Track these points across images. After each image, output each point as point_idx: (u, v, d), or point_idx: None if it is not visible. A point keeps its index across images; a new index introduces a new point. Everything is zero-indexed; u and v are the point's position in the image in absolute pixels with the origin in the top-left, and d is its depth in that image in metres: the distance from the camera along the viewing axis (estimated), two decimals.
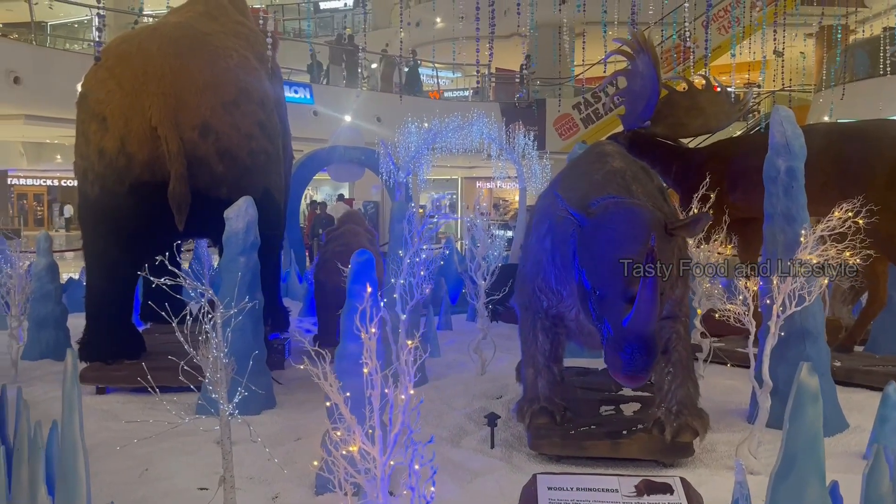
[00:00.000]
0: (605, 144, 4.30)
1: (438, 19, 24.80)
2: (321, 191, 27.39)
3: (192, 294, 9.01)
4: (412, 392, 2.39)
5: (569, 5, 20.28)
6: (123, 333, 6.16)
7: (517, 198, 35.65)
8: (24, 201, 35.99)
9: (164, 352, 6.60)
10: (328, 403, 5.74)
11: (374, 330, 2.47)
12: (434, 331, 7.55)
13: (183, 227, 5.53)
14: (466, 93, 27.98)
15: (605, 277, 3.38)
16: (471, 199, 33.61)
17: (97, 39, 6.27)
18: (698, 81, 8.20)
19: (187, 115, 5.49)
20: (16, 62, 13.69)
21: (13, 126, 15.99)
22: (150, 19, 16.47)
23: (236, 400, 3.31)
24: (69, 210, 36.21)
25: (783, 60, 16.32)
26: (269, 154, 6.04)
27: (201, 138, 5.55)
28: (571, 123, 21.68)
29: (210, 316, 3.59)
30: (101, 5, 6.31)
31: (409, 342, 2.43)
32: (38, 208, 37.13)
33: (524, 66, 21.89)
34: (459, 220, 21.85)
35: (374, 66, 22.34)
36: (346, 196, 22.16)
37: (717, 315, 4.50)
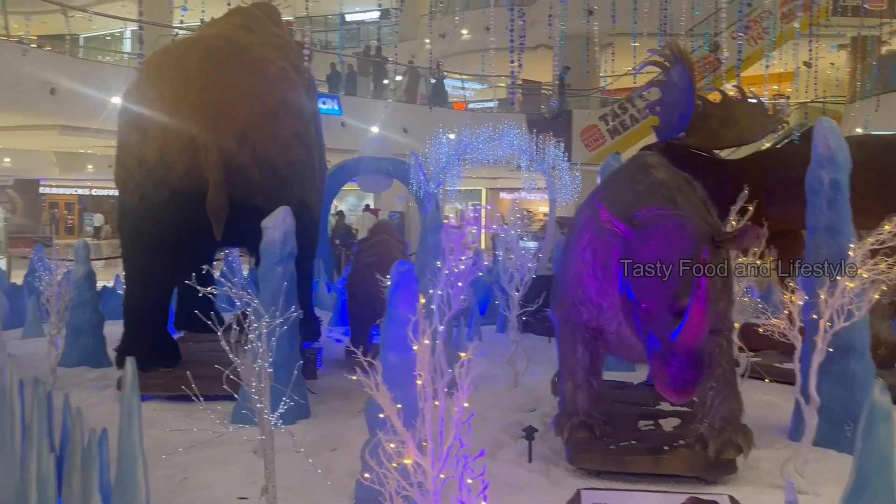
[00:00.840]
0: (647, 156, 4.26)
1: (465, 31, 24.89)
2: (346, 201, 27.55)
3: (227, 303, 9.11)
4: (466, 405, 2.36)
5: (596, 16, 20.30)
6: (160, 341, 6.21)
7: (541, 209, 35.70)
8: (56, 210, 36.59)
9: (199, 360, 6.68)
10: (360, 412, 5.70)
11: (427, 341, 2.45)
12: (465, 342, 7.53)
13: (220, 236, 5.57)
14: (492, 104, 28.04)
15: (652, 290, 3.33)
16: (494, 210, 33.62)
17: (139, 52, 6.37)
18: (732, 92, 8.12)
19: (226, 126, 5.55)
20: (52, 74, 13.96)
21: (48, 136, 16.29)
22: (183, 32, 16.74)
23: (281, 410, 3.30)
24: (99, 219, 36.79)
25: (816, 71, 16.12)
26: (306, 164, 6.08)
27: (239, 148, 5.60)
28: (598, 135, 21.60)
29: (253, 326, 3.57)
30: (140, 18, 6.41)
31: (463, 354, 2.41)
32: (69, 217, 37.74)
33: (562, 77, 21.91)
34: (483, 230, 21.80)
35: (398, 78, 22.47)
36: (372, 206, 22.26)
37: (760, 329, 4.42)
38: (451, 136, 20.07)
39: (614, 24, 17.55)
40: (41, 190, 33.18)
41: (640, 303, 3.42)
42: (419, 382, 2.45)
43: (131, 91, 5.90)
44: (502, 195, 34.73)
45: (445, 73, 22.04)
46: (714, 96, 8.93)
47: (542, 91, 24.41)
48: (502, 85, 27.52)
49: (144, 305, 6.04)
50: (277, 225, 5.37)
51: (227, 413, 5.67)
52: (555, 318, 4.65)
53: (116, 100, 15.00)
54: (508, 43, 19.19)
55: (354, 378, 2.61)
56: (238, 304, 4.51)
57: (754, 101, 8.00)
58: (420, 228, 12.90)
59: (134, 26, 29.11)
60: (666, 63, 7.42)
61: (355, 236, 19.85)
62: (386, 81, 21.04)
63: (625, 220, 3.61)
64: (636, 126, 21.68)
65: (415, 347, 2.48)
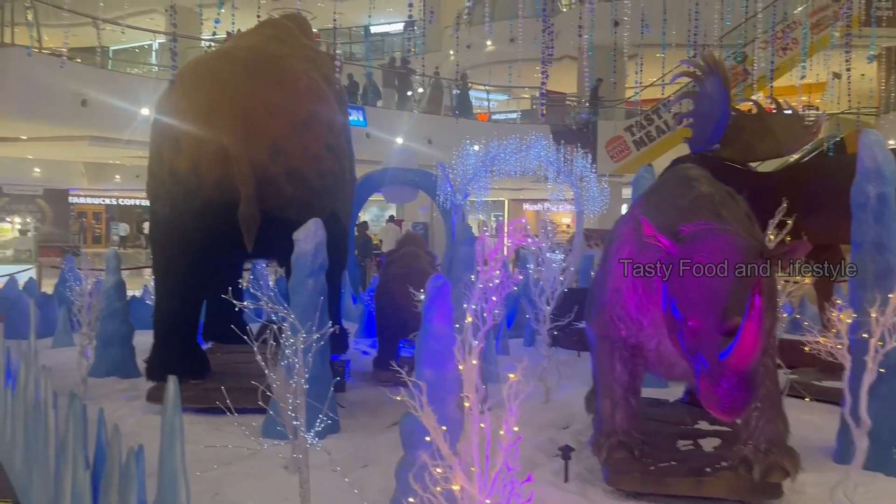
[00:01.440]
0: (689, 168, 4.15)
1: (489, 42, 24.89)
2: (369, 211, 27.60)
3: (254, 313, 9.10)
4: (516, 429, 2.28)
5: (622, 27, 20.19)
6: (190, 353, 6.20)
7: (564, 220, 35.48)
8: (84, 219, 37.08)
9: (228, 372, 6.66)
10: (389, 427, 5.62)
11: (475, 361, 2.38)
12: (494, 356, 7.43)
13: (252, 247, 5.54)
14: (514, 115, 27.99)
15: (700, 308, 3.23)
16: (521, 222, 33.39)
17: (172, 64, 6.40)
18: (763, 102, 7.98)
19: (258, 137, 5.53)
20: (84, 85, 14.15)
21: (79, 147, 16.50)
22: (211, 44, 16.88)
23: (319, 427, 3.24)
24: (124, 228, 37.24)
25: (850, 82, 15.87)
26: (337, 176, 6.05)
27: (271, 159, 5.58)
28: (623, 146, 21.45)
29: (288, 341, 3.52)
30: (173, 31, 6.44)
31: (512, 375, 2.32)
32: (97, 226, 38.23)
33: (595, 89, 21.87)
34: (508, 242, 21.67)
35: (419, 90, 22.51)
36: (396, 217, 22.26)
37: (806, 348, 4.29)
38: (476, 148, 20.03)
39: (643, 35, 17.49)
40: (70, 199, 33.65)
41: (686, 321, 3.32)
42: (466, 405, 2.37)
43: (164, 102, 5.92)
44: (525, 206, 34.61)
45: (471, 85, 22.02)
46: (747, 107, 8.79)
47: (567, 102, 24.32)
48: (526, 96, 27.52)
49: (175, 316, 6.03)
50: (309, 237, 5.32)
51: (257, 427, 5.63)
52: (591, 333, 4.55)
53: (146, 111, 15.22)
54: (532, 54, 19.16)
55: (399, 398, 2.53)
56: (265, 314, 4.48)
57: (790, 111, 7.86)
58: (445, 239, 12.89)
59: (162, 38, 29.59)
60: (699, 74, 7.31)
61: (378, 247, 19.87)
62: (409, 93, 21.08)
63: (668, 234, 3.51)
64: (662, 137, 21.50)
65: (460, 367, 2.40)
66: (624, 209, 29.01)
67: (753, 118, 7.74)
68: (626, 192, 26.52)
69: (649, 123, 21.57)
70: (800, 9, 20.88)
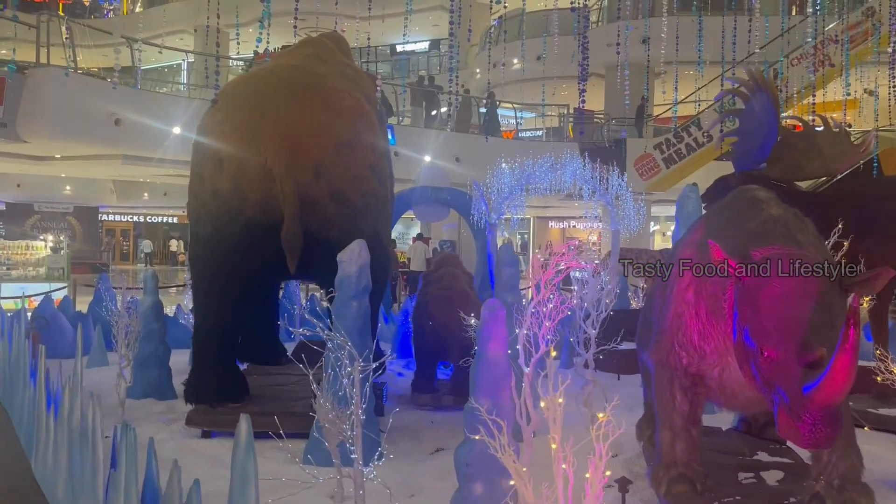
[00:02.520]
0: (755, 190, 3.99)
1: (515, 60, 24.88)
2: (393, 230, 27.52)
3: (286, 334, 9.00)
4: (608, 473, 2.13)
5: (652, 44, 20.07)
6: (229, 376, 6.11)
7: (589, 237, 35.05)
8: (112, 237, 37.49)
9: (265, 395, 6.56)
10: (433, 453, 5.46)
11: (561, 400, 2.23)
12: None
13: (294, 268, 5.45)
14: (540, 132, 27.87)
15: (778, 338, 3.05)
16: (542, 239, 33.29)
17: (215, 83, 6.37)
18: (808, 119, 7.79)
19: (301, 157, 5.46)
20: (117, 105, 14.29)
21: (111, 165, 16.66)
22: (243, 64, 16.97)
23: (378, 462, 3.11)
24: (148, 245, 37.60)
25: (890, 98, 15.54)
26: (379, 197, 5.96)
27: (314, 180, 5.50)
28: (653, 164, 21.21)
29: (345, 369, 3.40)
30: (217, 52, 6.41)
31: (601, 415, 2.18)
32: (125, 243, 38.63)
33: (641, 107, 21.79)
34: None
35: (443, 109, 22.51)
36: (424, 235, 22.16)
37: (878, 378, 4.08)
38: (505, 165, 19.93)
39: (674, 53, 17.35)
40: (100, 217, 34.10)
41: (761, 350, 3.14)
42: (553, 446, 2.22)
43: (206, 122, 5.87)
44: (551, 224, 34.41)
45: (499, 102, 21.99)
46: (791, 124, 8.60)
47: (595, 120, 24.18)
48: (552, 114, 27.46)
49: (215, 338, 5.95)
50: (353, 258, 5.22)
51: (298, 451, 5.51)
52: (650, 361, 4.38)
53: (177, 130, 15.34)
54: (559, 72, 18.98)
55: (477, 437, 2.39)
56: (297, 334, 4.38)
57: (837, 129, 7.65)
58: (476, 258, 12.75)
59: (191, 58, 30.00)
60: (745, 91, 7.15)
61: (406, 265, 19.76)
62: (434, 112, 21.07)
63: (740, 258, 3.35)
64: (692, 155, 21.25)
65: (542, 405, 2.26)
66: (652, 227, 28.72)
67: (801, 136, 7.55)
68: (655, 210, 26.27)
69: (679, 141, 21.33)
70: (832, 25, 20.62)
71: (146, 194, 32.19)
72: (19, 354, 6.03)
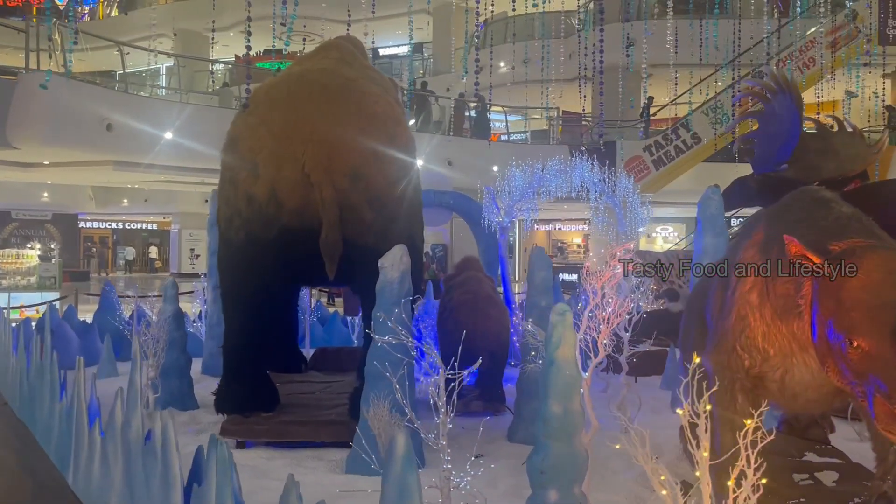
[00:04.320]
0: (818, 190, 4.01)
1: (502, 63, 24.94)
2: None
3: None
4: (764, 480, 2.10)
5: (637, 48, 20.28)
6: (260, 384, 6.00)
7: (574, 240, 34.90)
8: (90, 244, 36.84)
9: (294, 403, 6.45)
10: (473, 458, 5.41)
11: (647, 434, 2.20)
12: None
13: (333, 275, 5.36)
14: (524, 136, 27.94)
15: (869, 327, 3.06)
16: (528, 242, 33.38)
17: (246, 89, 6.27)
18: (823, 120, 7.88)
19: (339, 162, 5.38)
20: (109, 109, 14.03)
21: (102, 171, 16.36)
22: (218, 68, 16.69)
23: (423, 469, 3.05)
24: (131, 252, 37.05)
25: (879, 99, 15.87)
26: (413, 202, 5.91)
27: (352, 185, 5.42)
28: (643, 166, 21.38)
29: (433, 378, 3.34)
30: (247, 54, 6.32)
31: (748, 422, 2.15)
32: (103, 251, 37.97)
33: (647, 107, 21.96)
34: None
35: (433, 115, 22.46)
36: None
37: None
38: (495, 168, 19.88)
39: (658, 56, 17.53)
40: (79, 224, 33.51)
41: (850, 342, 3.14)
42: (705, 454, 2.19)
43: (238, 126, 5.76)
44: (536, 227, 34.53)
45: (490, 105, 22.01)
46: (806, 125, 8.69)
47: (583, 122, 24.31)
48: (537, 117, 27.56)
49: (246, 347, 5.84)
50: (395, 264, 5.15)
51: (338, 461, 5.43)
52: (708, 364, 4.36)
53: (169, 135, 15.11)
54: (546, 75, 19.04)
55: (617, 447, 2.34)
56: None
57: (851, 130, 7.75)
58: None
59: (169, 62, 29.62)
60: (766, 93, 7.21)
61: None
62: (422, 115, 21.03)
63: (818, 252, 3.36)
64: (681, 157, 21.47)
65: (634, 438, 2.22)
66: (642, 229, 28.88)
67: (816, 138, 7.62)
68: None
69: (668, 143, 21.53)
70: (813, 29, 20.98)
71: (126, 200, 31.69)
72: (43, 368, 5.86)
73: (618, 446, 2.45)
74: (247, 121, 5.65)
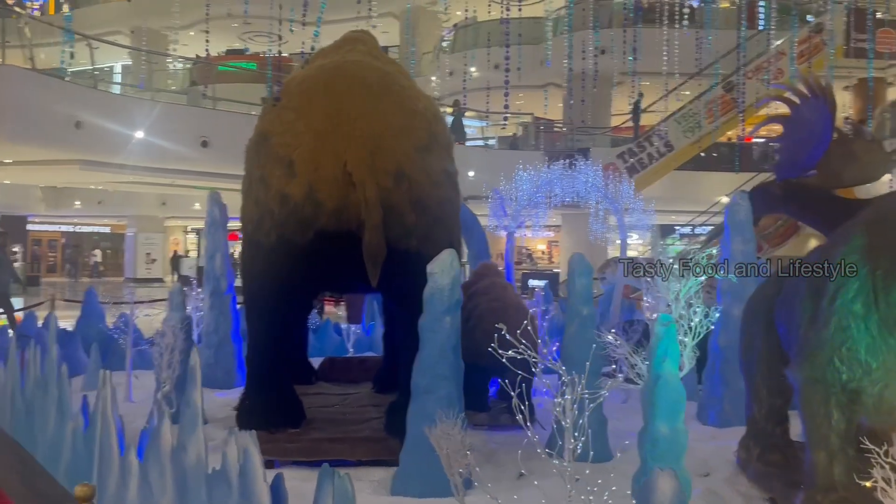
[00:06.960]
0: None
1: (473, 69, 24.76)
2: None
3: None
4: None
5: (609, 55, 20.39)
6: (286, 398, 5.57)
7: (539, 247, 34.91)
8: (38, 247, 35.27)
9: (318, 418, 6.01)
10: (519, 477, 5.07)
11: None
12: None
13: (376, 281, 4.97)
14: (492, 140, 27.82)
15: None
16: (493, 248, 33.18)
17: (279, 82, 5.82)
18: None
19: (383, 161, 5.01)
20: (78, 107, 13.32)
21: (69, 171, 15.54)
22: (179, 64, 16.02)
23: (469, 491, 2.74)
24: (99, 254, 35.69)
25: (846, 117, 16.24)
26: (454, 204, 5.57)
27: (395, 185, 5.05)
28: (618, 173, 21.45)
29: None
30: (276, 53, 5.86)
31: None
32: (51, 255, 36.41)
33: (637, 103, 22.00)
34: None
35: None
36: None
37: None
38: (471, 174, 19.61)
39: (629, 63, 17.59)
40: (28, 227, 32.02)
41: None
42: None
43: (270, 121, 5.32)
44: (499, 232, 34.35)
45: (464, 111, 21.83)
46: None
47: (556, 129, 24.35)
48: (507, 122, 27.48)
49: (273, 358, 5.42)
50: (445, 270, 4.80)
51: (381, 481, 5.04)
52: (797, 377, 4.14)
53: (140, 134, 14.42)
54: (515, 81, 18.91)
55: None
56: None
57: (870, 136, 7.73)
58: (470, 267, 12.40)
59: (127, 60, 28.58)
60: (794, 98, 7.10)
61: None
62: None
63: None
64: (654, 164, 21.62)
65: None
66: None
67: (836, 143, 7.56)
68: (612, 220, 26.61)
69: (641, 150, 21.67)
70: (781, 41, 21.38)
71: (78, 202, 30.38)
72: (47, 383, 5.33)
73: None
74: (280, 115, 5.21)
